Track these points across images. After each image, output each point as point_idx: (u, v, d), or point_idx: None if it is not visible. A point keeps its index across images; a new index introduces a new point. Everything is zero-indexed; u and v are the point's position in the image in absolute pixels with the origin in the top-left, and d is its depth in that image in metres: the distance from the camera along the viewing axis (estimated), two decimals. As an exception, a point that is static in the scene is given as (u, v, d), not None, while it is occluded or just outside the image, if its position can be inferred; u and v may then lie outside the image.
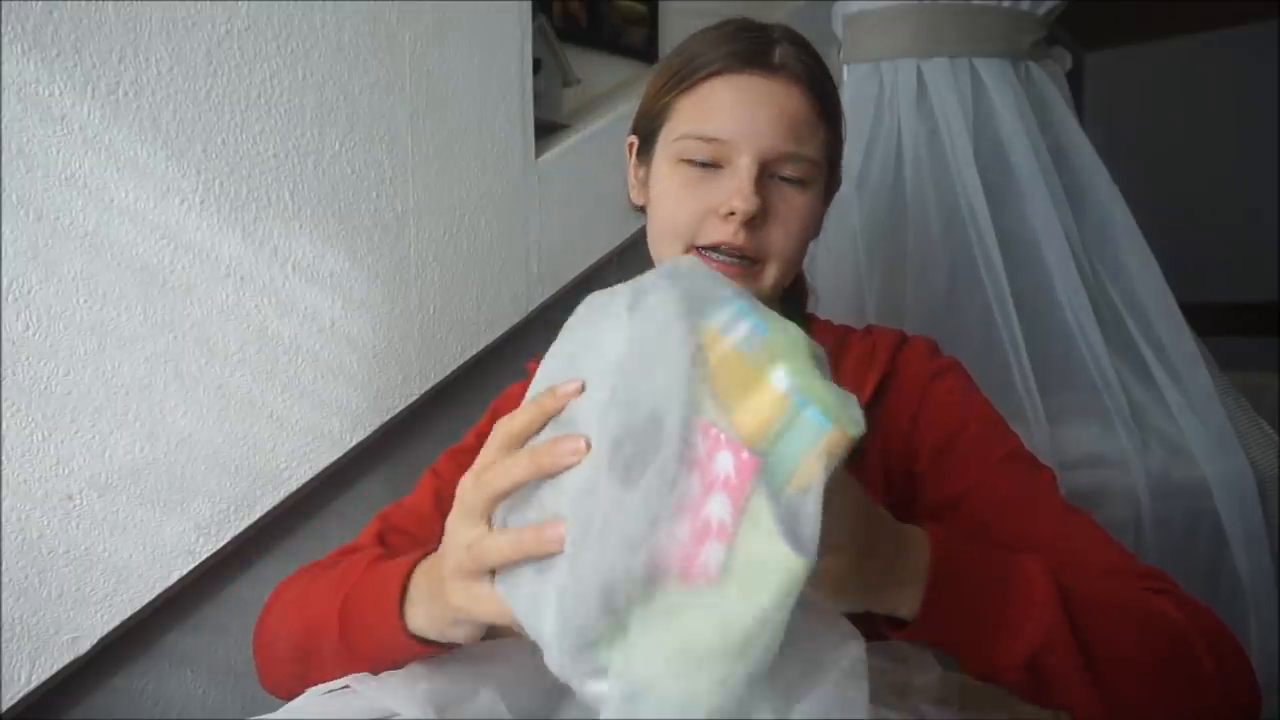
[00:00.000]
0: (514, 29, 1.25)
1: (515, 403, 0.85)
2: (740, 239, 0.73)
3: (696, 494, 0.44)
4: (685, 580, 0.43)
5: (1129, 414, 1.24)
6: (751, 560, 0.42)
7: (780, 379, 0.45)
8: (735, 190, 0.73)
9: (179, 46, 0.92)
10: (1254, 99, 3.31)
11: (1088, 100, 3.60)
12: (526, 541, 0.48)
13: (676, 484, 0.44)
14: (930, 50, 1.34)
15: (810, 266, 1.35)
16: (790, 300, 0.86)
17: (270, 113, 0.99)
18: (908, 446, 0.79)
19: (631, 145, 0.85)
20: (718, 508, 0.43)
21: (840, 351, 0.83)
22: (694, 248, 0.75)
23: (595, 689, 0.45)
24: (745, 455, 0.44)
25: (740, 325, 0.47)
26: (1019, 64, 1.37)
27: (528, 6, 1.27)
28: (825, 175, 0.79)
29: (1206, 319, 1.52)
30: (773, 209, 0.75)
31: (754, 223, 0.73)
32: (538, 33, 1.35)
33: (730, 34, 0.77)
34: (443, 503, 0.80)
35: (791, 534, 0.42)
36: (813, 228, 0.78)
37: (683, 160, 0.76)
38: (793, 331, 0.47)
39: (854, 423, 0.44)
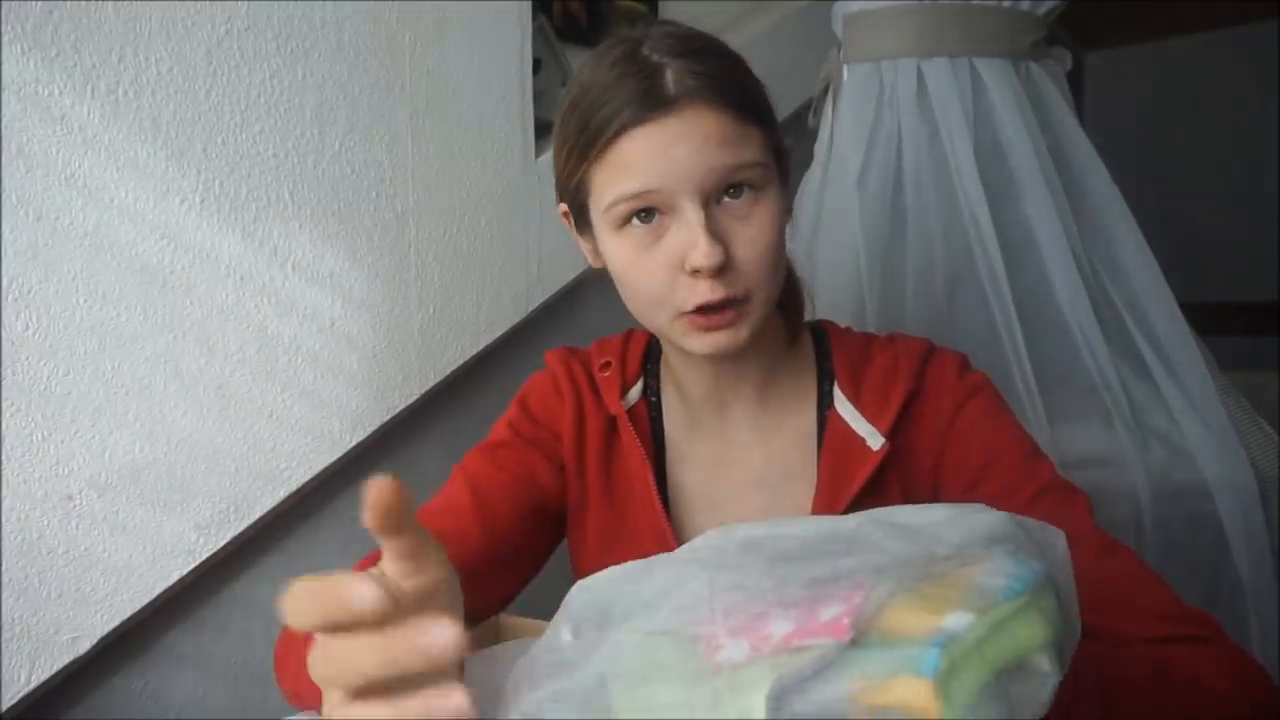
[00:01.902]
0: (514, 29, 1.25)
1: (542, 391, 0.86)
2: (718, 293, 0.69)
3: (789, 601, 0.42)
4: (698, 645, 0.42)
5: (1129, 414, 1.24)
6: (742, 684, 0.40)
7: (959, 619, 0.40)
8: (690, 244, 0.68)
9: (179, 46, 0.92)
10: (1254, 99, 3.31)
11: (1088, 100, 3.60)
12: None
13: (789, 583, 0.42)
14: (930, 50, 1.34)
15: (810, 268, 1.35)
16: (788, 310, 0.84)
17: (270, 113, 0.99)
18: (931, 488, 0.78)
19: (565, 214, 0.80)
20: (781, 626, 0.41)
21: (863, 362, 0.81)
22: (682, 314, 0.71)
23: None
24: (846, 623, 0.40)
25: (1014, 575, 0.42)
26: (1019, 64, 1.37)
27: (528, 6, 1.27)
28: (776, 169, 0.74)
29: (1206, 319, 1.52)
30: (735, 237, 0.70)
31: (722, 268, 0.69)
32: (538, 33, 1.35)
33: (612, 76, 0.70)
34: (480, 497, 0.79)
35: (777, 706, 0.38)
36: (782, 230, 0.74)
37: (623, 225, 0.72)
38: (1044, 619, 0.42)
39: (955, 710, 0.38)
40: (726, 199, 0.70)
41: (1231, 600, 1.18)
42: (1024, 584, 0.42)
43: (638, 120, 0.69)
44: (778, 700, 0.39)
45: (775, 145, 0.75)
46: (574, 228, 0.80)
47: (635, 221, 0.71)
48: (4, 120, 0.81)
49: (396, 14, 1.11)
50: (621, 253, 0.73)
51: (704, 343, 0.72)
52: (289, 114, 1.01)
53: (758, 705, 0.39)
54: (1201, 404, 1.25)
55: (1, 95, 0.81)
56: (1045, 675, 0.41)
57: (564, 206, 0.80)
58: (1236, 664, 0.62)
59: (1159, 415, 1.26)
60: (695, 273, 0.69)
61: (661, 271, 0.71)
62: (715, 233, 0.69)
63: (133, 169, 0.89)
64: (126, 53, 0.88)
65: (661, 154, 0.69)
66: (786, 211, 0.76)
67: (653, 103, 0.69)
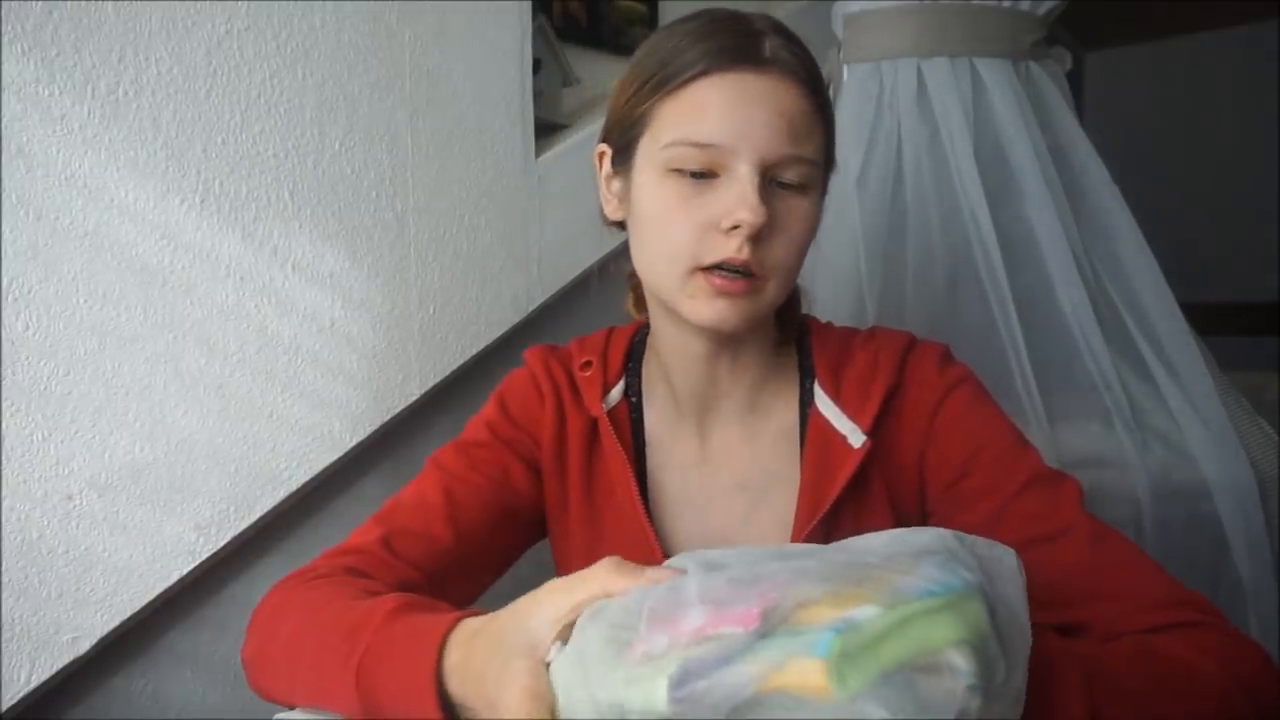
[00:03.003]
0: (514, 29, 1.25)
1: (522, 392, 0.85)
2: (745, 254, 0.68)
3: (709, 599, 0.44)
4: (627, 641, 0.46)
5: (1129, 414, 1.24)
6: (648, 673, 0.43)
7: (864, 611, 0.42)
8: (739, 201, 0.67)
9: (179, 46, 0.92)
10: (1254, 99, 3.31)
11: (1088, 100, 3.60)
12: None
13: (713, 585, 0.45)
14: (931, 50, 1.34)
15: (809, 267, 1.35)
16: (784, 317, 0.83)
17: (270, 113, 0.99)
18: (916, 485, 0.77)
19: (603, 155, 0.79)
20: (695, 618, 0.44)
21: (843, 358, 0.81)
22: (697, 269, 0.70)
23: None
24: (756, 613, 0.43)
25: (935, 580, 0.44)
26: (1019, 64, 1.37)
27: (528, 6, 1.27)
28: (823, 176, 0.75)
29: (1206, 319, 1.51)
30: (777, 221, 0.70)
31: (758, 235, 0.68)
32: (538, 33, 1.35)
33: (710, 28, 0.71)
34: (453, 498, 0.79)
35: (678, 685, 0.42)
36: (812, 235, 0.74)
37: (673, 170, 0.70)
38: (962, 622, 0.43)
39: (849, 693, 0.40)
40: (779, 186, 0.70)
41: (1231, 600, 1.18)
42: (945, 589, 0.44)
43: (727, 66, 0.69)
44: (679, 682, 0.42)
45: (830, 152, 0.76)
46: (608, 170, 0.79)
47: (688, 174, 0.70)
48: (4, 120, 0.81)
49: (396, 14, 1.11)
50: (660, 198, 0.71)
51: (712, 308, 0.71)
52: (289, 114, 1.01)
53: (660, 689, 0.42)
54: (1201, 404, 1.25)
55: (1, 95, 0.81)
56: (960, 673, 0.42)
57: (603, 147, 0.79)
58: (1228, 646, 0.62)
59: (1159, 415, 1.26)
60: (734, 229, 0.68)
61: (694, 223, 0.70)
62: (763, 201, 0.69)
63: (133, 169, 0.89)
64: (126, 53, 0.88)
65: (739, 107, 0.68)
66: (818, 221, 0.76)
67: (746, 56, 0.69)
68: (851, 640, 0.41)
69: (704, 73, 0.69)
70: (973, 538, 0.51)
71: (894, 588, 0.43)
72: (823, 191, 0.76)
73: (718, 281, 0.70)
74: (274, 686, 0.68)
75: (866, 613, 0.42)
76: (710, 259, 0.70)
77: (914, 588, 0.43)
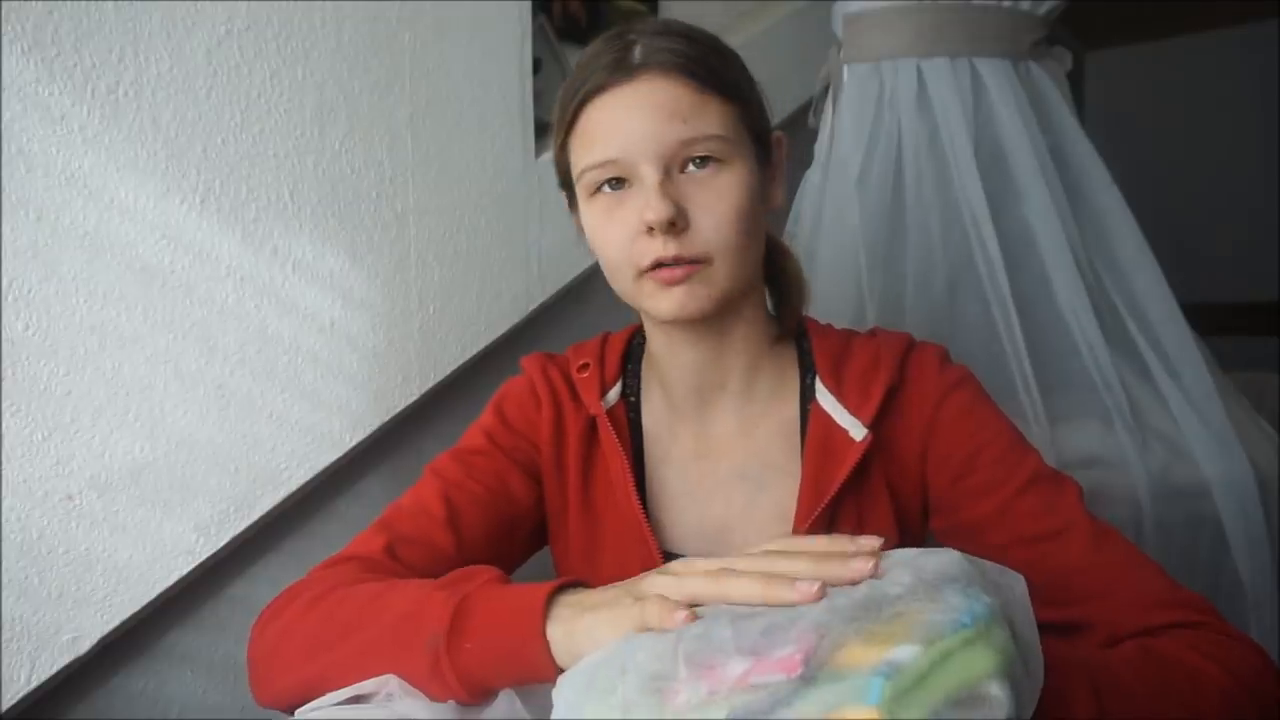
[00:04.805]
0: (514, 29, 1.25)
1: (520, 398, 0.86)
2: (671, 249, 0.71)
3: (746, 648, 0.45)
4: (661, 690, 0.45)
5: (1129, 414, 1.24)
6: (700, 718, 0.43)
7: (905, 651, 0.42)
8: (645, 204, 0.71)
9: (179, 46, 0.92)
10: (1254, 99, 3.31)
11: (1088, 100, 3.60)
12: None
13: (747, 632, 0.46)
14: (931, 50, 1.34)
15: (810, 266, 1.35)
16: (783, 307, 0.84)
17: (270, 113, 0.99)
18: (918, 481, 0.78)
19: (566, 200, 0.83)
20: (736, 668, 0.44)
21: (844, 355, 0.81)
22: (642, 272, 0.73)
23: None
24: (798, 659, 0.43)
25: (963, 609, 0.45)
26: (1019, 64, 1.37)
27: (528, 6, 1.28)
28: (749, 147, 0.75)
29: (1206, 319, 1.51)
30: (692, 203, 0.71)
31: (678, 226, 0.71)
32: (538, 32, 1.35)
33: (591, 53, 0.75)
34: (453, 506, 0.79)
35: None
36: (750, 206, 0.74)
37: (594, 193, 0.75)
38: (993, 650, 0.44)
39: None
40: (691, 168, 0.73)
41: (1231, 600, 1.18)
42: (972, 618, 0.45)
43: (601, 88, 0.73)
44: None
45: (749, 123, 0.76)
46: (571, 208, 0.82)
47: (605, 189, 0.74)
48: (4, 120, 0.81)
49: (396, 14, 1.11)
50: (592, 218, 0.76)
51: (668, 300, 0.73)
52: (289, 114, 1.01)
53: None
54: (1201, 404, 1.25)
55: (2, 95, 0.81)
56: (998, 702, 0.43)
57: (563, 194, 0.83)
58: (1228, 649, 0.62)
59: (1159, 415, 1.26)
60: (650, 231, 0.71)
61: (624, 233, 0.73)
62: (671, 194, 0.71)
63: (133, 169, 0.89)
64: (126, 53, 0.88)
65: (620, 121, 0.72)
66: (763, 189, 0.77)
67: (616, 70, 0.73)
68: (899, 683, 0.41)
69: (585, 99, 0.73)
70: (983, 562, 0.51)
71: (927, 623, 0.44)
72: (757, 159, 0.76)
73: (662, 275, 0.72)
74: (296, 672, 0.67)
75: (907, 653, 0.42)
76: (646, 261, 0.72)
77: (945, 622, 0.44)
